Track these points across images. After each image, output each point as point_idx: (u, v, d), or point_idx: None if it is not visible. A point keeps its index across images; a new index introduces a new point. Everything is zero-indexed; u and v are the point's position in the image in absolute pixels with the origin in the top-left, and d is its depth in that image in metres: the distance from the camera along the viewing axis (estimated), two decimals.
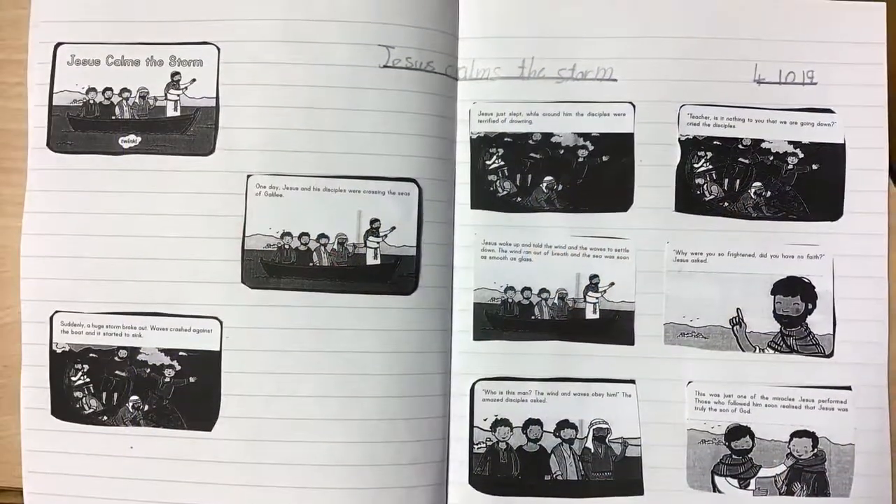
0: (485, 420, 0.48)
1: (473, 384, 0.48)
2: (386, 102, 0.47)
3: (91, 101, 0.48)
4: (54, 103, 0.48)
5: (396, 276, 0.47)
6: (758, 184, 0.48)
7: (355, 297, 0.47)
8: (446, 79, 0.48)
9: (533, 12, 0.48)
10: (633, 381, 0.47)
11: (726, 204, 0.48)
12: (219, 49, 0.48)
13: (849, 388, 0.47)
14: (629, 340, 0.48)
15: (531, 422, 0.47)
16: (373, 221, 0.47)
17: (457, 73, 0.49)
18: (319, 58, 0.47)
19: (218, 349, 0.47)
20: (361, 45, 0.47)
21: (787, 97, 0.48)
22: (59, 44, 0.48)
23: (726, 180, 0.48)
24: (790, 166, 0.48)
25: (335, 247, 0.47)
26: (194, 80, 0.48)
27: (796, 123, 0.48)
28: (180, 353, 0.47)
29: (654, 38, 0.48)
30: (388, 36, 0.47)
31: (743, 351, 0.47)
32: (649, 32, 0.48)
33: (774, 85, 0.48)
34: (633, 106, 0.48)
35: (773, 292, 0.48)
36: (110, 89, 0.48)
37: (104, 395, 0.47)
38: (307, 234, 0.47)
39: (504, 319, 0.48)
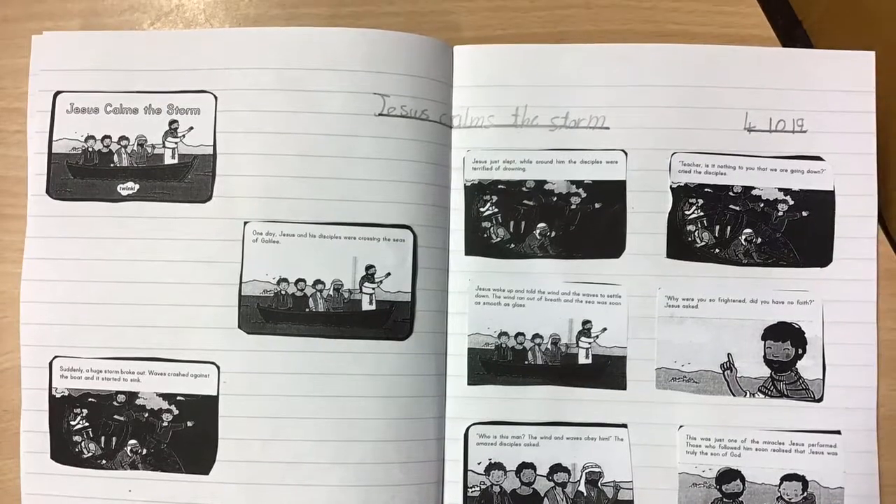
0: (479, 464, 0.48)
1: (467, 428, 0.48)
2: (381, 150, 0.48)
3: (90, 149, 0.49)
4: (54, 151, 0.49)
5: (391, 321, 0.48)
6: (748, 230, 0.49)
7: (351, 343, 0.48)
8: (441, 127, 0.49)
9: (526, 61, 0.49)
10: (625, 426, 0.48)
11: (717, 250, 0.49)
12: (216, 98, 0.48)
13: (838, 432, 0.48)
14: (621, 385, 0.48)
15: (525, 465, 0.48)
16: (368, 268, 0.48)
17: (451, 121, 0.49)
18: (316, 106, 0.48)
19: (215, 393, 0.48)
20: (357, 94, 0.48)
21: (777, 145, 0.49)
22: (58, 92, 0.49)
23: (717, 227, 0.49)
24: (780, 213, 0.49)
25: (331, 293, 0.48)
26: (192, 128, 0.48)
27: (786, 171, 0.49)
28: (178, 398, 0.48)
29: (647, 87, 0.49)
30: (383, 85, 0.48)
31: (734, 395, 0.48)
32: (641, 81, 0.49)
33: (765, 133, 0.49)
34: (626, 153, 0.49)
35: (764, 337, 0.48)
36: (109, 137, 0.49)
37: (103, 439, 0.48)
38: (303, 281, 0.48)
39: (498, 364, 0.48)
